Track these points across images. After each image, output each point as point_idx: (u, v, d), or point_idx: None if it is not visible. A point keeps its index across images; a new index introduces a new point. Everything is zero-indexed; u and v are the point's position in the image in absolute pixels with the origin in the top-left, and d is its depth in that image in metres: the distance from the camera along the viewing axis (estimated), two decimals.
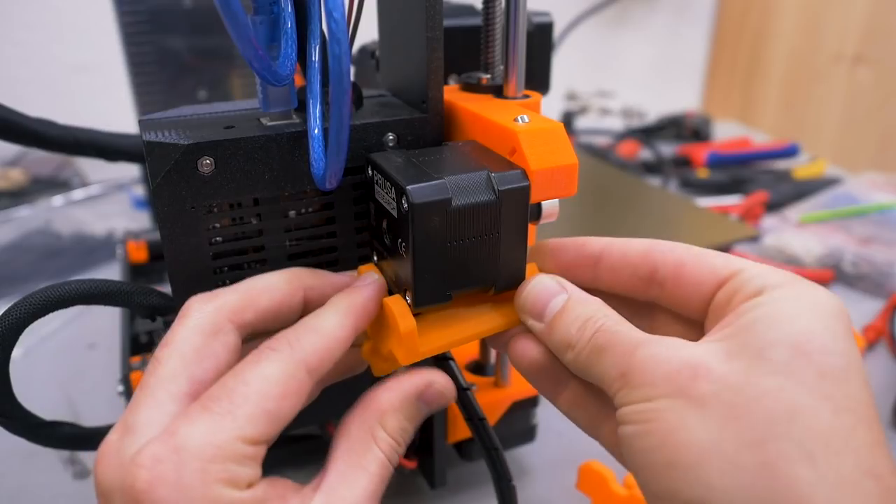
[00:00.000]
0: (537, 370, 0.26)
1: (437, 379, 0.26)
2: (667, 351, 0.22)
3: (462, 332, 0.26)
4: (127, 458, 0.20)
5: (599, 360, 0.23)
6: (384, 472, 0.24)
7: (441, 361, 0.28)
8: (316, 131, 0.25)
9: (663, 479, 0.20)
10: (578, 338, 0.24)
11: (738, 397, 0.20)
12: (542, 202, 0.26)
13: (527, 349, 0.26)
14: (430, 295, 0.25)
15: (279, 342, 0.23)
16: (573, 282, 0.26)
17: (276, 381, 0.22)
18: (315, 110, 0.25)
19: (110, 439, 0.22)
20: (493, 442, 0.29)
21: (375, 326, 0.27)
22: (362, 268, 0.28)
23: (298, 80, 0.27)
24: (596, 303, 0.25)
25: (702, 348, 0.21)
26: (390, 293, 0.27)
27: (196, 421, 0.20)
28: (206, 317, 0.23)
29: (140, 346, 0.46)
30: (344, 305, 0.25)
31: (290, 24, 0.24)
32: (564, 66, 0.72)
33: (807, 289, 0.22)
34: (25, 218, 0.78)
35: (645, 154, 1.00)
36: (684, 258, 0.24)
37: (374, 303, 0.26)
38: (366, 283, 0.26)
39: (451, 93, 0.31)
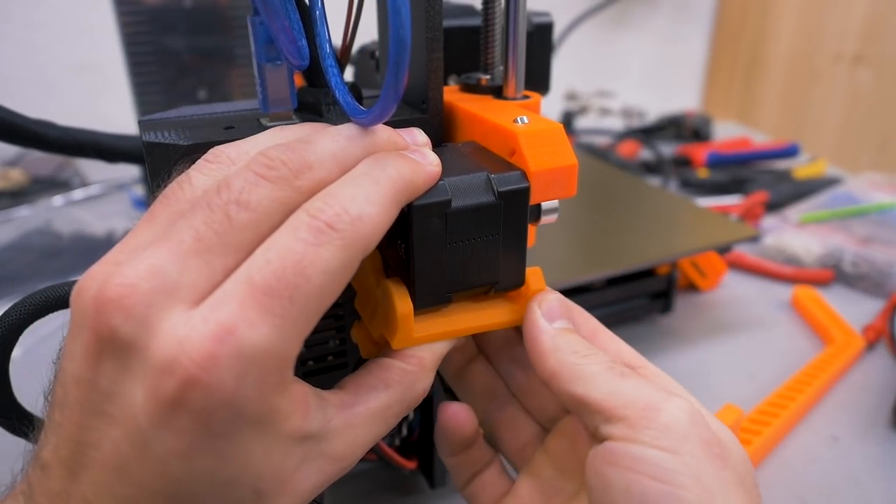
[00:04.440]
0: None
1: None
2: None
3: (458, 323, 0.26)
4: (169, 328, 0.18)
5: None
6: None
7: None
8: (339, 86, 0.24)
9: None
10: (588, 351, 0.25)
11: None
12: (542, 203, 0.26)
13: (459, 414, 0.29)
14: (429, 296, 0.25)
15: (338, 222, 0.20)
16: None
17: (335, 275, 0.19)
18: (332, 66, 0.25)
19: (138, 285, 0.18)
20: None
21: (368, 308, 0.27)
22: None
23: (298, 80, 0.27)
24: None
25: None
26: None
27: (257, 325, 0.18)
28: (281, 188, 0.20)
29: None
30: (394, 194, 0.22)
31: (294, 16, 0.24)
32: (564, 66, 0.72)
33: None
34: (25, 218, 0.78)
35: (645, 154, 1.00)
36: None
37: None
38: (427, 162, 0.24)
39: (451, 93, 0.31)
